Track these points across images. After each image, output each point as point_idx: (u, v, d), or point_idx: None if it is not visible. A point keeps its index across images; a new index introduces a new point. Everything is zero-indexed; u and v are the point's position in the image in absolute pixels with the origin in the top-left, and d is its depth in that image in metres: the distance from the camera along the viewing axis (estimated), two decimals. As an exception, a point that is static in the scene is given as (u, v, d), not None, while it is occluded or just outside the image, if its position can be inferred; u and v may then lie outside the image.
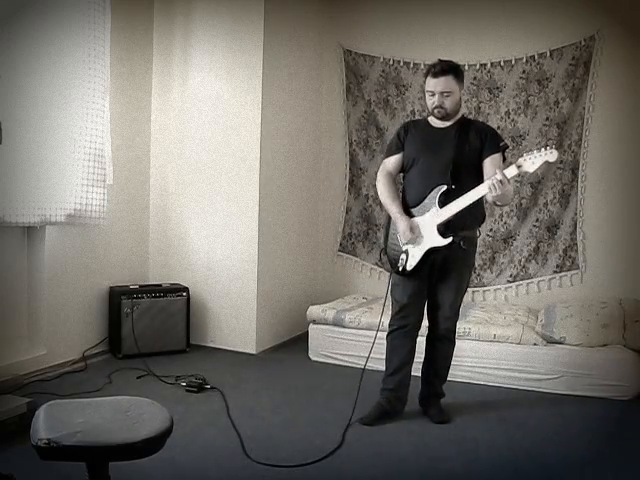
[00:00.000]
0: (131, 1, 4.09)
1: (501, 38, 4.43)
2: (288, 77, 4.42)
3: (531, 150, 2.63)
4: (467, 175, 2.75)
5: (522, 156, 2.64)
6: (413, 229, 2.78)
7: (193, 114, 4.25)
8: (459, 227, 2.77)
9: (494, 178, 2.59)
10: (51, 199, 3.41)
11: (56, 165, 3.43)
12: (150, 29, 4.29)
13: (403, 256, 2.85)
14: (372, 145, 4.85)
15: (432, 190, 2.77)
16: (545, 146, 2.63)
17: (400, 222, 2.82)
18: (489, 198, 2.72)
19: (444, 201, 2.73)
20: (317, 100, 4.94)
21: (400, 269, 2.86)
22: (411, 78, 4.65)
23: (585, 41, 4.21)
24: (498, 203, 2.77)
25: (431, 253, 2.79)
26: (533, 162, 2.59)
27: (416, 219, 2.82)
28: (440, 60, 2.80)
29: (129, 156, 4.16)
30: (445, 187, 2.74)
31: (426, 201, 2.79)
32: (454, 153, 2.77)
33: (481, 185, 2.68)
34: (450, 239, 2.73)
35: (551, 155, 2.57)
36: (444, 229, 2.75)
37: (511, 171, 2.63)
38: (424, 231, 2.79)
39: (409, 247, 2.83)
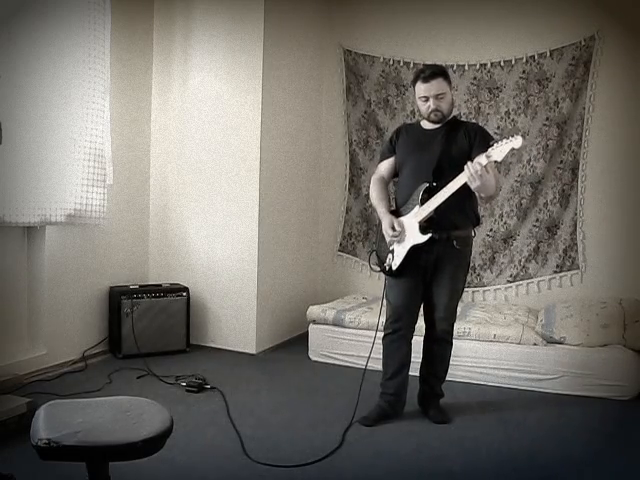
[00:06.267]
0: (131, 1, 4.09)
1: (501, 38, 4.44)
2: (288, 77, 4.42)
3: (500, 140, 2.64)
4: (452, 174, 2.69)
5: (491, 146, 2.64)
6: (395, 226, 2.79)
7: (193, 114, 4.25)
8: (451, 226, 2.78)
9: (472, 166, 2.56)
10: (51, 199, 3.41)
11: (56, 165, 3.43)
12: (150, 29, 4.29)
13: (390, 256, 2.88)
14: (372, 145, 4.85)
15: (416, 189, 2.78)
16: (512, 135, 2.63)
17: (384, 219, 2.86)
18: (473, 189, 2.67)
19: (427, 199, 2.73)
20: (317, 100, 4.94)
21: (387, 269, 2.89)
22: (411, 78, 4.64)
23: (585, 41, 4.21)
24: (482, 195, 2.71)
25: (422, 253, 2.79)
26: (501, 150, 2.60)
27: (402, 218, 2.84)
28: (426, 65, 2.79)
29: (129, 156, 4.16)
30: (427, 185, 2.74)
31: (410, 200, 2.81)
32: (440, 152, 2.78)
33: (461, 174, 2.64)
34: (429, 235, 2.73)
35: (516, 142, 2.57)
36: (428, 227, 2.75)
37: (482, 161, 2.62)
38: (408, 229, 2.80)
39: (395, 246, 2.85)
